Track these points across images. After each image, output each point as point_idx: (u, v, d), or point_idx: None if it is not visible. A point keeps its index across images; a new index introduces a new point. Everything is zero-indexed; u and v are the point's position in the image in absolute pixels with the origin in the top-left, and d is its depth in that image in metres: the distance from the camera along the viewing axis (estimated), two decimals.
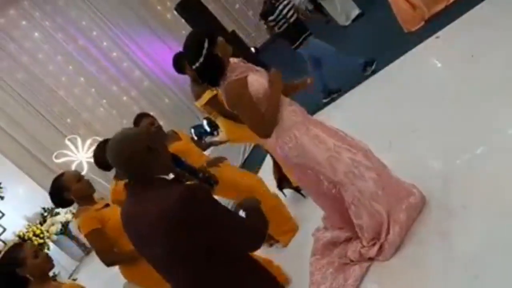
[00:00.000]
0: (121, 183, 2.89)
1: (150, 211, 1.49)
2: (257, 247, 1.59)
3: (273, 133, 2.43)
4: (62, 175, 2.67)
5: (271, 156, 4.02)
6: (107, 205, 2.70)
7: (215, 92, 3.65)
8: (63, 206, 2.80)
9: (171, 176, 2.84)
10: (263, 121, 2.36)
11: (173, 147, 3.27)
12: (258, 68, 2.49)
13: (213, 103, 3.67)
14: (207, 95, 3.67)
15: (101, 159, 3.02)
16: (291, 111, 2.43)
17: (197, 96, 3.73)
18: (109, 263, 2.60)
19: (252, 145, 6.17)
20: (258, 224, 1.63)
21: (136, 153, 1.52)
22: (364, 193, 2.42)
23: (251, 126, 2.41)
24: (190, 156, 3.28)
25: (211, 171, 3.00)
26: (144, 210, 1.51)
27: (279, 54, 7.80)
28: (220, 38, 2.36)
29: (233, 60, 2.43)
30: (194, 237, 1.45)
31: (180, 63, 3.68)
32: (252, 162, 5.98)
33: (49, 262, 2.28)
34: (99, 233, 2.52)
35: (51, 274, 2.55)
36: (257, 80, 2.35)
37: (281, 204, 3.61)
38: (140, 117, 3.32)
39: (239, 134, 3.87)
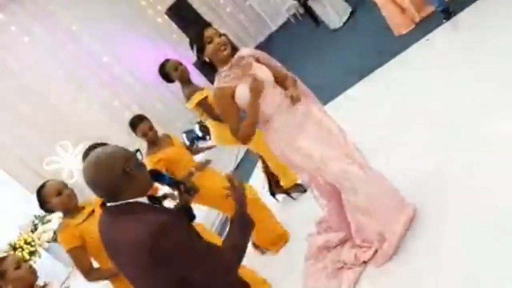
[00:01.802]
0: None
1: (122, 239, 1.47)
2: (226, 280, 1.53)
3: (266, 135, 2.50)
4: (43, 186, 2.61)
5: (262, 160, 4.01)
6: (93, 211, 2.64)
7: (205, 94, 3.66)
8: (53, 212, 2.79)
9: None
10: (238, 132, 2.38)
11: (166, 153, 3.27)
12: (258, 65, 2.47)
13: (203, 105, 3.68)
14: (197, 97, 3.67)
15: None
16: (282, 121, 2.43)
17: (188, 98, 3.73)
18: (90, 280, 2.59)
19: (245, 148, 6.13)
20: (234, 253, 1.56)
21: (110, 178, 1.48)
22: (350, 203, 2.46)
23: (231, 132, 2.45)
24: (181, 162, 3.29)
25: (192, 180, 3.08)
26: (117, 237, 1.49)
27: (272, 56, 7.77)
28: (209, 48, 2.41)
29: (240, 54, 2.48)
30: (164, 271, 1.43)
31: (163, 72, 3.73)
32: (246, 167, 5.96)
33: (32, 274, 2.27)
34: (79, 251, 2.51)
35: (41, 283, 2.52)
36: (244, 93, 2.35)
37: (269, 215, 3.52)
38: (138, 122, 3.33)
39: (229, 137, 3.87)
